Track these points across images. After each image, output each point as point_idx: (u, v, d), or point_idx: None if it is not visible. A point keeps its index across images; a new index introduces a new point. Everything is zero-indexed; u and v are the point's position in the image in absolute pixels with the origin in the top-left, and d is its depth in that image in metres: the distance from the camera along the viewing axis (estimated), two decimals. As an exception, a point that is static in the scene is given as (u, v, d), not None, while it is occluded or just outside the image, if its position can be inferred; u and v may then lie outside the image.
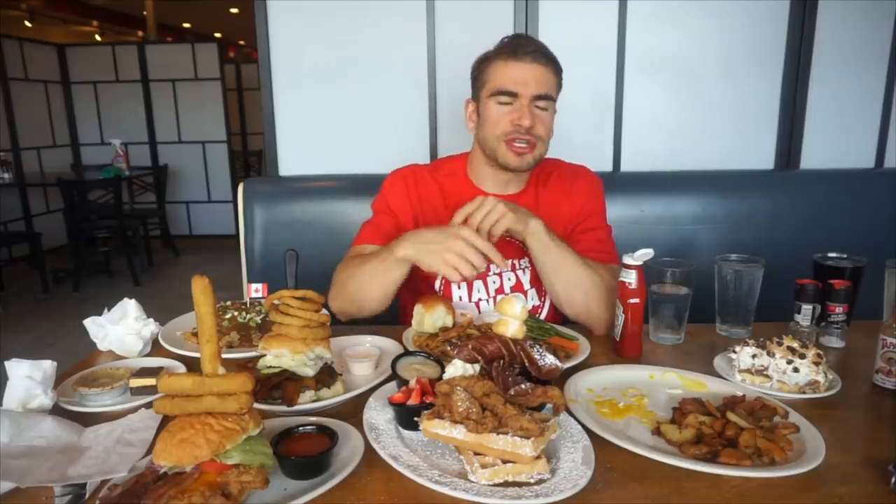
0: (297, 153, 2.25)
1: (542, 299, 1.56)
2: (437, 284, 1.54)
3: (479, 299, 1.53)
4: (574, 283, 1.39)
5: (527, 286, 1.54)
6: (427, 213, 1.55)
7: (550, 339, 1.31)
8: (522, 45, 1.42)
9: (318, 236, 1.97)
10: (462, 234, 1.25)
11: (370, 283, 1.37)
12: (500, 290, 1.53)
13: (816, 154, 2.23)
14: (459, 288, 1.53)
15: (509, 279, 1.54)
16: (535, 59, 1.41)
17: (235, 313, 1.41)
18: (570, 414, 0.99)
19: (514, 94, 1.41)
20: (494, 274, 1.53)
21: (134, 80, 7.06)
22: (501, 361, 0.97)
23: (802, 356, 1.13)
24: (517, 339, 0.98)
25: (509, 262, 1.53)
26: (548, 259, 1.39)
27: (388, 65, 2.19)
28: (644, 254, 1.28)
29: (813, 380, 1.12)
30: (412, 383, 0.99)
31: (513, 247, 1.53)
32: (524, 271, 1.54)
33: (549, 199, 1.57)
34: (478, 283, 1.53)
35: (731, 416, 0.95)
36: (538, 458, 0.83)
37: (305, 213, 2.01)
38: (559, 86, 1.48)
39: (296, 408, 1.02)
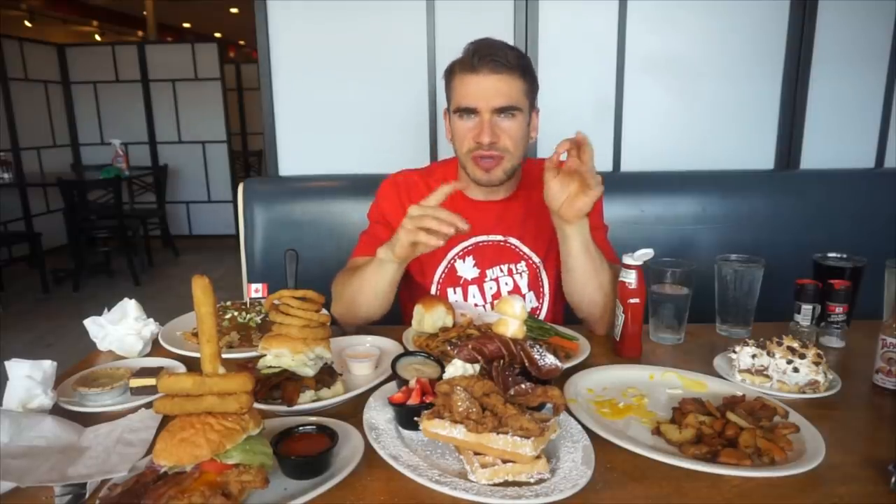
0: (297, 153, 2.25)
1: (541, 301, 1.56)
2: (434, 289, 1.54)
3: (476, 304, 1.53)
4: (600, 284, 1.38)
5: (524, 290, 1.54)
6: None
7: (550, 339, 1.31)
8: (481, 55, 1.34)
9: (318, 236, 1.97)
10: (410, 214, 1.21)
11: (362, 287, 1.37)
12: (496, 295, 1.52)
13: (816, 154, 2.23)
14: (455, 293, 1.53)
15: (506, 284, 1.53)
16: (494, 70, 1.34)
17: (235, 313, 1.41)
18: (570, 414, 0.99)
19: (473, 110, 1.37)
20: (491, 280, 1.53)
21: (134, 80, 7.07)
22: (501, 361, 0.97)
23: (802, 356, 1.13)
24: (517, 339, 0.98)
25: (506, 266, 1.53)
26: (586, 257, 1.35)
27: (389, 65, 2.19)
28: (644, 254, 1.28)
29: (813, 380, 1.12)
30: (412, 383, 0.99)
31: (510, 252, 1.54)
32: (521, 275, 1.54)
33: (542, 200, 1.56)
34: (473, 289, 1.53)
35: (731, 416, 0.95)
36: (538, 457, 0.83)
37: (305, 213, 2.01)
38: (530, 91, 1.41)
39: (296, 408, 1.02)
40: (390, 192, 1.57)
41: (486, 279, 1.53)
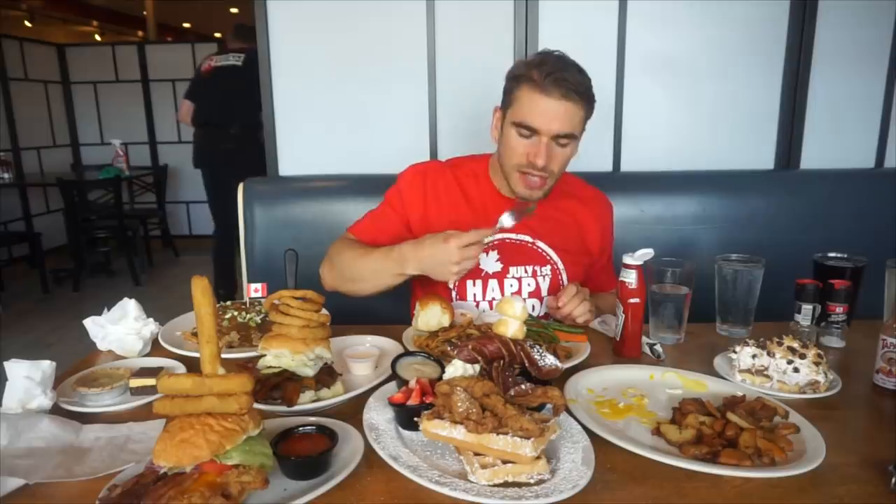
0: (297, 153, 2.25)
1: None
2: (451, 283, 1.54)
3: (493, 299, 1.54)
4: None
5: (544, 293, 1.56)
6: (444, 209, 1.54)
7: (556, 333, 1.33)
8: (556, 80, 1.33)
9: (318, 236, 1.96)
10: (452, 245, 1.28)
11: (369, 279, 1.44)
12: (517, 294, 1.54)
13: (816, 154, 2.23)
14: (475, 286, 1.54)
15: (529, 284, 1.55)
16: (564, 96, 1.34)
17: (235, 313, 1.41)
18: (570, 414, 0.99)
19: (535, 131, 1.38)
20: (513, 277, 1.54)
21: (134, 80, 7.05)
22: (501, 362, 0.97)
23: (802, 356, 1.13)
24: (517, 340, 0.98)
25: (531, 267, 1.55)
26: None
27: (388, 65, 2.19)
28: (644, 254, 1.28)
29: (813, 380, 1.12)
30: (412, 383, 0.99)
31: (537, 254, 1.56)
32: (544, 278, 1.56)
33: (571, 210, 1.60)
34: (493, 283, 1.54)
35: (732, 417, 0.95)
36: (538, 458, 0.83)
37: (305, 213, 2.01)
38: (587, 117, 1.42)
39: (296, 408, 1.02)
40: (416, 181, 1.56)
41: (509, 276, 1.54)
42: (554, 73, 1.34)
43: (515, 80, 1.40)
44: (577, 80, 1.35)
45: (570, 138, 1.40)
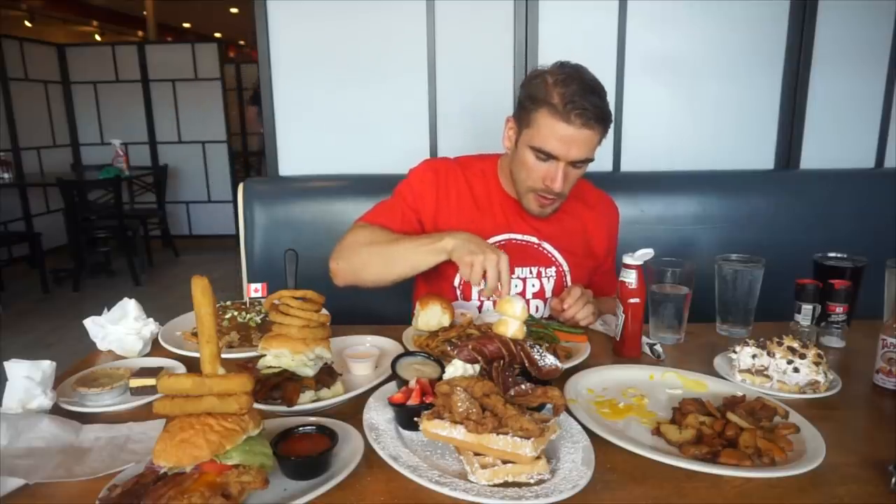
0: (297, 153, 2.25)
1: None
2: (457, 280, 1.55)
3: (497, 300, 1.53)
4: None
5: (548, 294, 1.56)
6: (453, 207, 1.54)
7: (556, 333, 1.33)
8: (577, 108, 1.31)
9: (318, 236, 1.97)
10: (501, 261, 1.27)
11: (400, 260, 1.39)
12: (520, 294, 1.54)
13: (816, 154, 2.23)
14: (479, 285, 1.53)
15: (533, 285, 1.55)
16: (585, 124, 1.32)
17: (235, 313, 1.41)
18: (571, 414, 0.99)
19: (553, 157, 1.37)
20: (518, 278, 1.54)
21: (134, 80, 7.06)
22: (501, 362, 0.97)
23: (802, 356, 1.13)
24: (517, 340, 0.98)
25: (536, 268, 1.55)
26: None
27: (389, 65, 2.19)
28: (644, 254, 1.28)
29: (813, 380, 1.12)
30: (412, 383, 0.99)
31: (542, 255, 1.56)
32: (549, 279, 1.56)
33: (578, 213, 1.60)
34: None
35: (732, 417, 0.95)
36: (538, 458, 0.83)
37: (305, 213, 2.01)
38: (604, 137, 1.40)
39: (296, 408, 1.02)
40: (428, 178, 1.55)
41: (513, 276, 1.53)
42: (575, 101, 1.31)
43: (534, 101, 1.37)
44: (597, 105, 1.33)
45: (587, 161, 1.41)
